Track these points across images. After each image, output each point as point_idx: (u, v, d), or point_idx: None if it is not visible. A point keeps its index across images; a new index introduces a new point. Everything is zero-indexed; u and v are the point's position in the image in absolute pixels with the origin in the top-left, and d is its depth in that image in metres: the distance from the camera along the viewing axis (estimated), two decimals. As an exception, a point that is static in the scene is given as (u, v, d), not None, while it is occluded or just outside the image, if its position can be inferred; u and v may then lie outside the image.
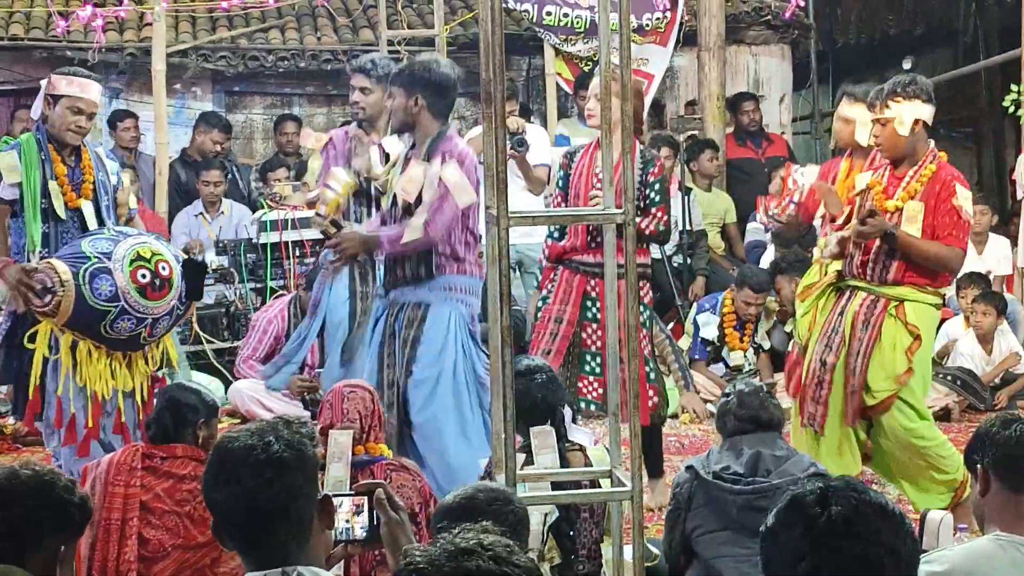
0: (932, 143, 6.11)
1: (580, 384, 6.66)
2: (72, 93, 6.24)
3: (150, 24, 10.87)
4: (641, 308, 6.44)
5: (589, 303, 6.58)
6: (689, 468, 4.72)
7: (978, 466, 3.52)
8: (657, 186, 6.47)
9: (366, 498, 3.39)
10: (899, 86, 6.04)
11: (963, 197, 5.98)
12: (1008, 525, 3.38)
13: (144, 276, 5.91)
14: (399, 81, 6.01)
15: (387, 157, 6.36)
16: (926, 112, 6.03)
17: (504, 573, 2.21)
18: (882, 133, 6.05)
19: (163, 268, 5.99)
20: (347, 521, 3.40)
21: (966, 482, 5.98)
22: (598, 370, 6.52)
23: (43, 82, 6.36)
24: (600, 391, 6.53)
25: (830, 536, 2.32)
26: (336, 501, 3.23)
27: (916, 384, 6.12)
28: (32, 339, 6.02)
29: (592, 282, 6.51)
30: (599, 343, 6.50)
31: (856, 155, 6.71)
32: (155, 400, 5.46)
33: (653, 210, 6.46)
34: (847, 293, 6.21)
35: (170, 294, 6.03)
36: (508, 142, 8.50)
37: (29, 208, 6.13)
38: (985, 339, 8.87)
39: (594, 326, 6.53)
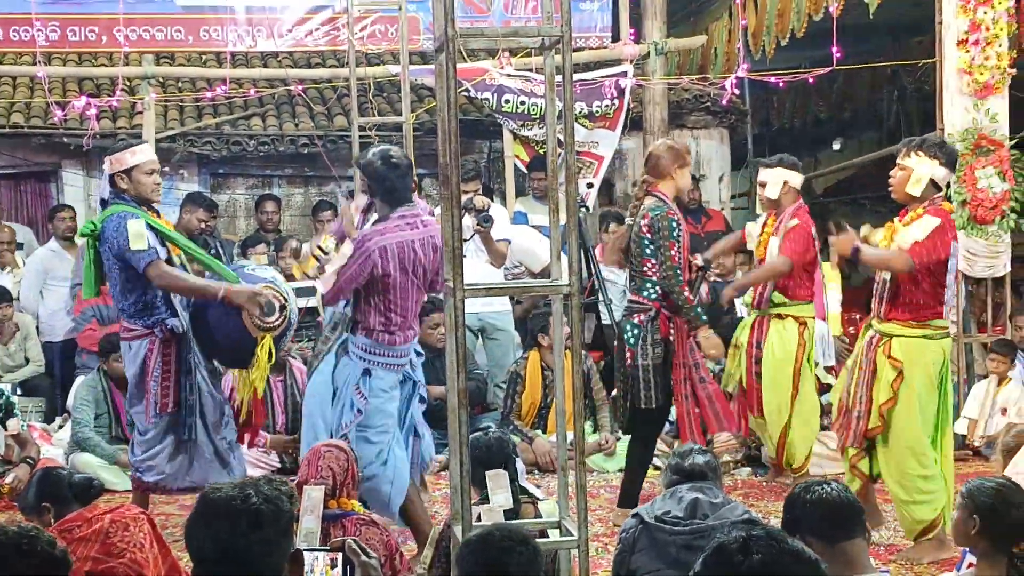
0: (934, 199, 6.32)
1: None
2: (141, 161, 6.53)
3: (141, 112, 10.94)
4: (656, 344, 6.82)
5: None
6: (635, 515, 4.74)
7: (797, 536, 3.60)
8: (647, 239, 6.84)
9: (340, 553, 3.40)
10: (925, 143, 6.36)
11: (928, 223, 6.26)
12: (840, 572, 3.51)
13: None
14: (363, 172, 6.32)
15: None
16: (940, 173, 6.27)
17: None
18: (896, 176, 6.36)
19: None
20: (322, 574, 3.41)
21: (936, 522, 6.16)
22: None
23: (107, 164, 6.55)
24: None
25: (751, 581, 2.34)
26: (311, 556, 3.23)
27: (906, 417, 6.30)
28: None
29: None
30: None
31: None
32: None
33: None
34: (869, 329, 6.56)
35: None
36: (475, 218, 8.55)
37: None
38: None
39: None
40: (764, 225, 7.94)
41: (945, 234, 6.24)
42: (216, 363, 6.79)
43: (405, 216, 6.03)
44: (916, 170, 6.25)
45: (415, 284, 6.04)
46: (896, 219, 6.43)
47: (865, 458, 6.47)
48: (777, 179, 7.73)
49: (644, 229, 6.80)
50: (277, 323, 6.45)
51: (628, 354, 6.82)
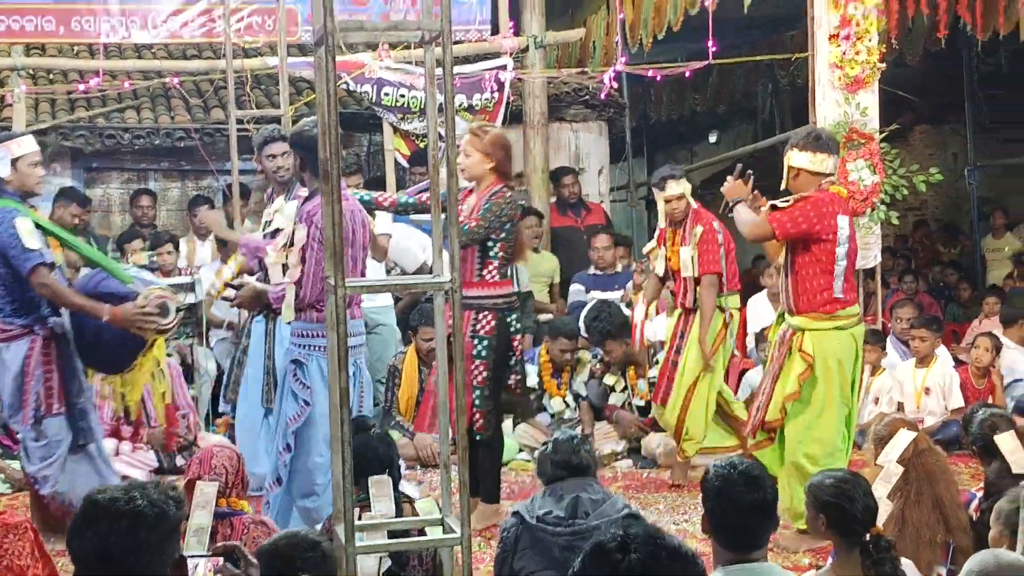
0: (821, 185, 6.35)
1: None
2: (26, 152, 6.28)
3: (11, 105, 10.66)
4: (479, 340, 6.78)
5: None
6: (515, 513, 4.74)
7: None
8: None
9: (222, 558, 3.37)
10: (789, 138, 6.62)
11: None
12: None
13: None
14: (290, 142, 6.30)
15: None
16: (797, 159, 6.34)
17: None
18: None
19: None
20: None
21: None
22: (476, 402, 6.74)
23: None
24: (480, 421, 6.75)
25: (630, 580, 2.34)
26: (193, 562, 3.19)
27: (811, 409, 6.38)
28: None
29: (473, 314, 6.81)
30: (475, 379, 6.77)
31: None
32: None
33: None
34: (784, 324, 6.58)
35: None
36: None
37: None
38: None
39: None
40: (660, 240, 7.86)
41: (817, 207, 6.27)
42: (89, 368, 6.48)
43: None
44: (785, 165, 6.43)
45: (350, 258, 5.95)
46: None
47: (767, 449, 6.53)
48: (687, 190, 7.65)
49: None
50: (171, 324, 6.22)
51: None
